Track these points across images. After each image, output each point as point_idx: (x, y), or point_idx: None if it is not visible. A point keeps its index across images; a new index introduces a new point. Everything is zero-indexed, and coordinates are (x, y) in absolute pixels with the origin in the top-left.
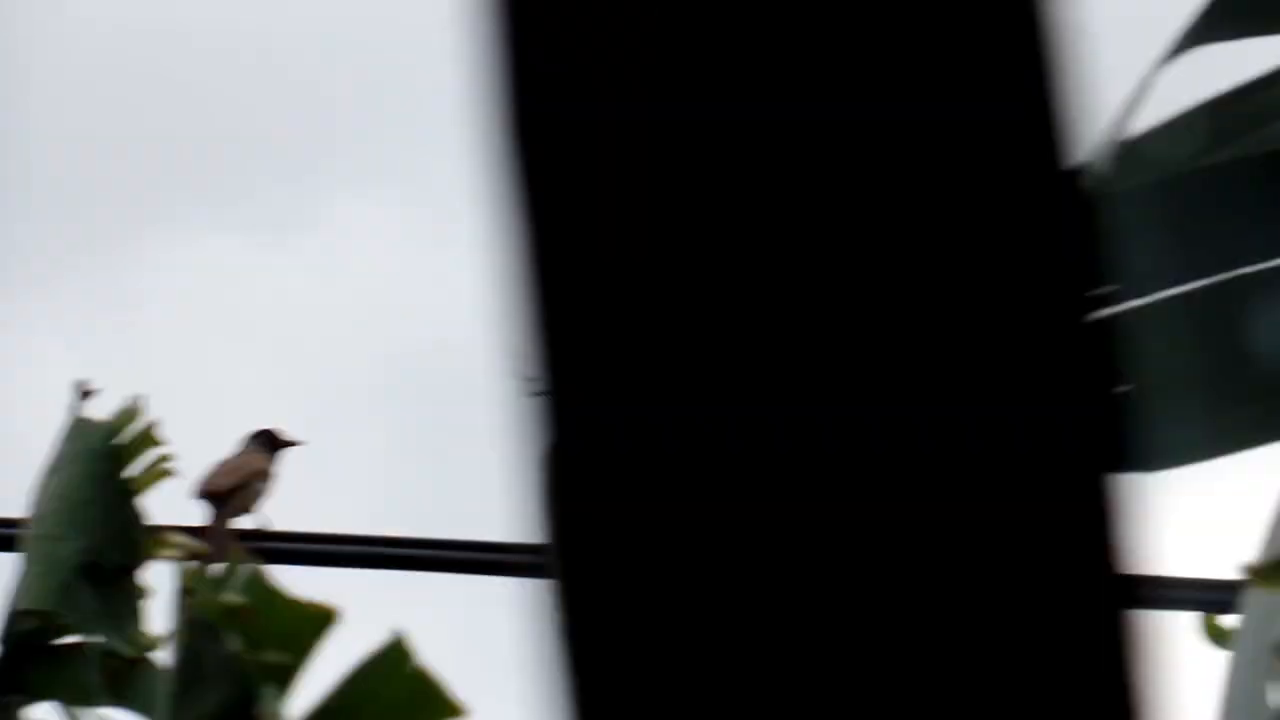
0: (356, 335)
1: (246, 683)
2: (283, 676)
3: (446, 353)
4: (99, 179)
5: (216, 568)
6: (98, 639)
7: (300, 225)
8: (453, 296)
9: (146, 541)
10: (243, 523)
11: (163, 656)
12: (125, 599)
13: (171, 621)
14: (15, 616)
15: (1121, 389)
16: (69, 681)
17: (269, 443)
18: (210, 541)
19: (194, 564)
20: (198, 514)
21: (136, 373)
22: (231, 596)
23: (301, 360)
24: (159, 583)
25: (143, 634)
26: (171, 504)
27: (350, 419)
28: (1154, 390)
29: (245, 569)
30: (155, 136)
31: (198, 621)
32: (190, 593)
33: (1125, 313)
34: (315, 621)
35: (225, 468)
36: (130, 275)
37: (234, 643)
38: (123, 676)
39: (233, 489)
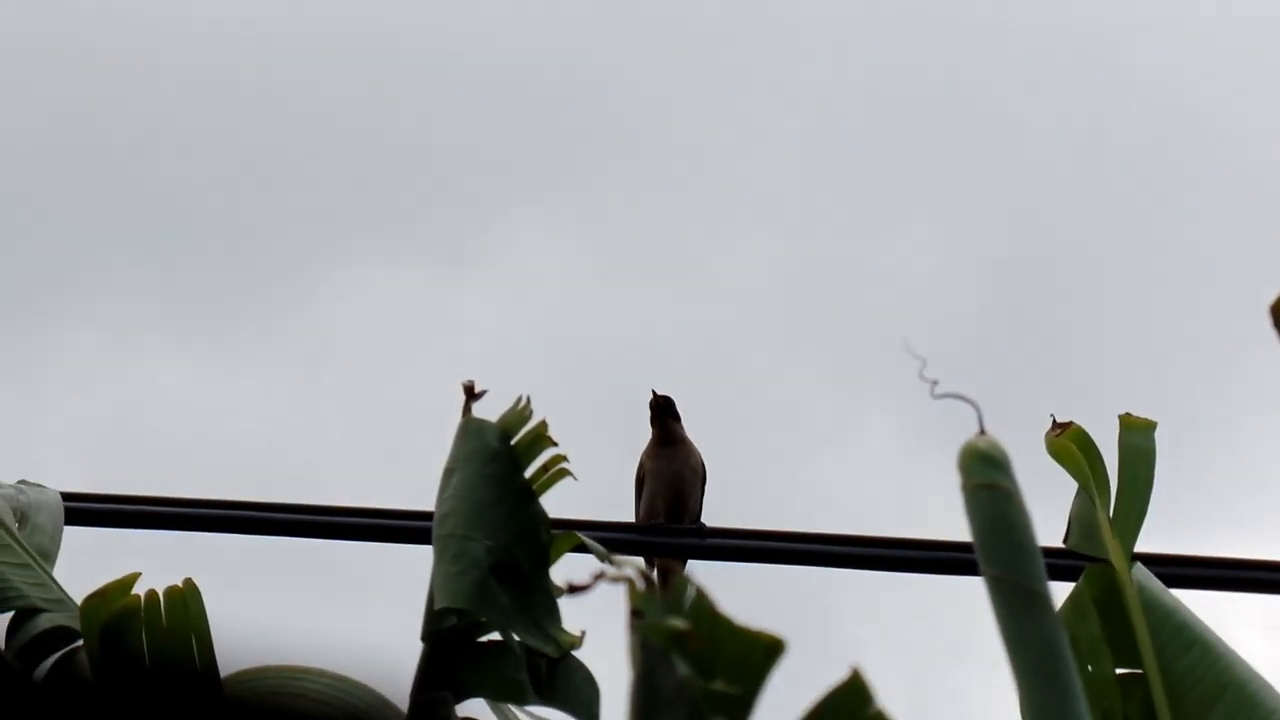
0: (539, 355)
1: (699, 712)
2: (734, 709)
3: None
4: (275, 212)
5: (663, 589)
6: (518, 637)
7: (479, 250)
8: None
9: (553, 541)
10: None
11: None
12: (539, 597)
13: (625, 641)
14: (436, 614)
15: None
16: (496, 678)
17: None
18: (656, 562)
19: (641, 583)
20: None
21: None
22: (677, 621)
23: (485, 381)
24: (597, 595)
25: (563, 632)
26: (567, 504)
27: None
28: None
29: (690, 591)
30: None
31: (649, 645)
32: (638, 614)
33: None
34: (762, 651)
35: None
36: (316, 304)
37: (683, 669)
38: (547, 675)
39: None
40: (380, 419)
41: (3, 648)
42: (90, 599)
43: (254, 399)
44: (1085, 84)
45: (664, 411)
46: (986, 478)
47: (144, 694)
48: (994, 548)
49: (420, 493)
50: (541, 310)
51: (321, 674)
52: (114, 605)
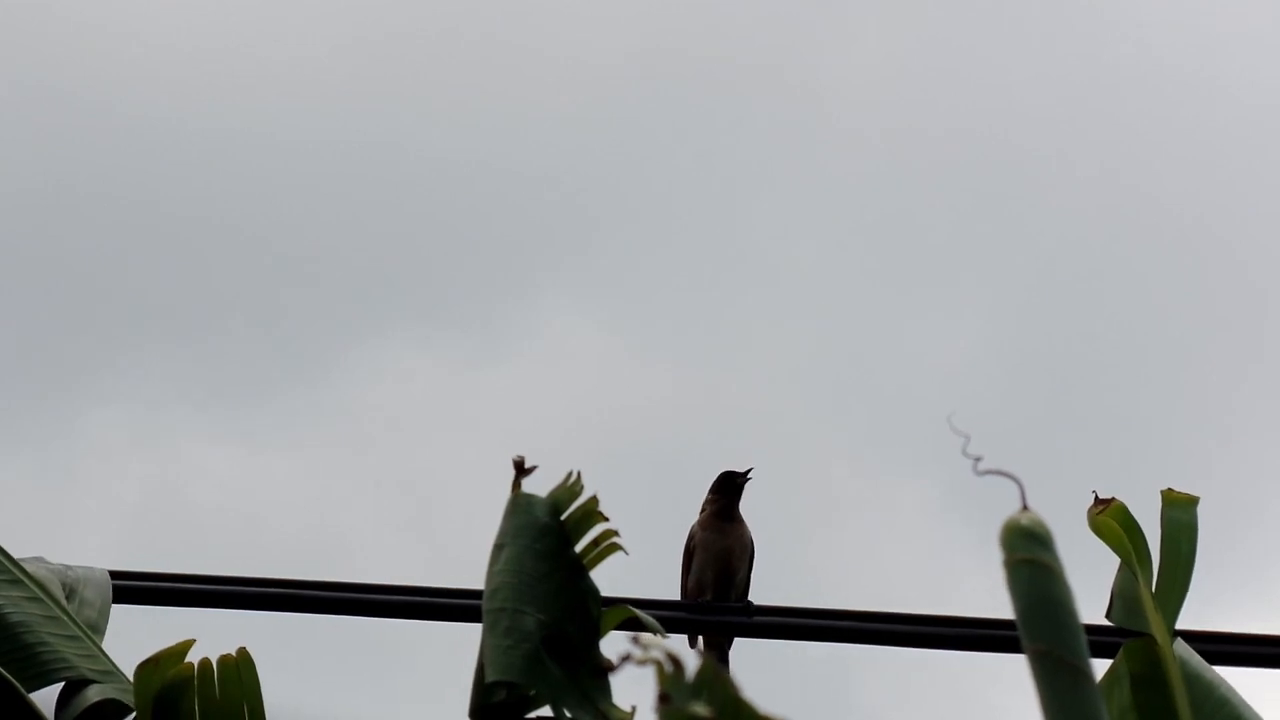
0: (572, 433)
1: None
2: None
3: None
4: (306, 290)
5: (691, 670)
6: (569, 712)
7: (510, 329)
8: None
9: (602, 617)
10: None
11: None
12: (589, 672)
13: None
14: (485, 688)
15: None
16: None
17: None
18: (703, 639)
19: (670, 666)
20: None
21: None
22: (699, 707)
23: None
24: (631, 672)
25: (614, 707)
26: (618, 578)
27: None
28: None
29: (714, 675)
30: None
31: None
32: (665, 699)
33: None
34: None
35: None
36: (349, 387)
37: None
38: None
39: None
40: (412, 495)
41: None
42: (143, 666)
43: (286, 476)
44: (1121, 158)
45: (739, 488)
46: (1029, 553)
47: None
48: (1036, 623)
49: (453, 568)
50: (574, 388)
51: None
52: (167, 673)
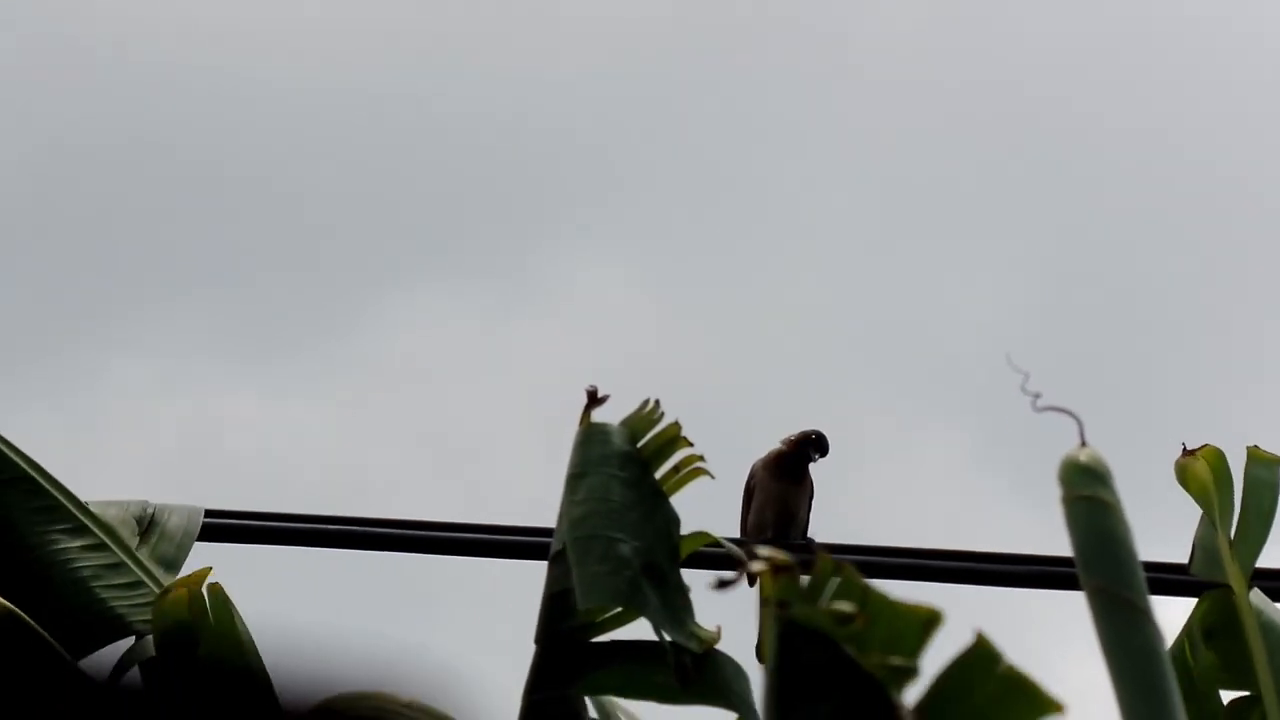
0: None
1: (866, 689)
2: (901, 680)
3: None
4: (338, 245)
5: (805, 577)
6: (668, 635)
7: (544, 286)
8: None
9: (683, 541)
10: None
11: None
12: (678, 596)
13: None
14: (555, 615)
15: None
16: (637, 678)
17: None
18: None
19: (779, 573)
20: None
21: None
22: (841, 604)
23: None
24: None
25: (701, 628)
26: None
27: None
28: None
29: (837, 570)
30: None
31: (793, 633)
32: (783, 604)
33: None
34: (920, 624)
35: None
36: (379, 336)
37: (849, 650)
38: (696, 671)
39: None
40: (443, 441)
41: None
42: (160, 600)
43: (317, 426)
44: (1160, 105)
45: (807, 457)
46: (1087, 490)
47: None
48: (1094, 559)
49: (484, 510)
50: (603, 338)
51: (417, 707)
52: (164, 607)
